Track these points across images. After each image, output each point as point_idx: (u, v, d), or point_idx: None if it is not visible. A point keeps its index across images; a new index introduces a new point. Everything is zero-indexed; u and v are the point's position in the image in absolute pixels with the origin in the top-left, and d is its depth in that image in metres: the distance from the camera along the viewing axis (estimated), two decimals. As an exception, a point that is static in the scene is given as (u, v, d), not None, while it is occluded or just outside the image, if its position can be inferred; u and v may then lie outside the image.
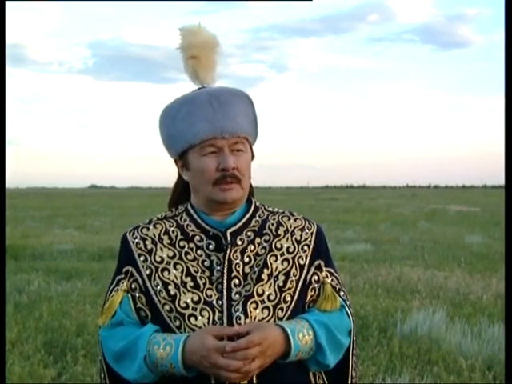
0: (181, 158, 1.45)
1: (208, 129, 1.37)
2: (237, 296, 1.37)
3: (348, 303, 1.48)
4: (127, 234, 1.47)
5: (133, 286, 1.41)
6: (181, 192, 1.52)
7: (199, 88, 1.47)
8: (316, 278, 1.45)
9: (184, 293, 1.37)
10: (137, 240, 1.44)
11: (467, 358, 4.44)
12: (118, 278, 1.44)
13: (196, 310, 1.36)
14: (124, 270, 1.43)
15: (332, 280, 1.47)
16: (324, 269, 1.47)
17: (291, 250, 1.44)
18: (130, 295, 1.41)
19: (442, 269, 8.94)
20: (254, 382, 1.33)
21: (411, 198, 49.28)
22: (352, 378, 1.49)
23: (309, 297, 1.44)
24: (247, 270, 1.40)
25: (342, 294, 1.48)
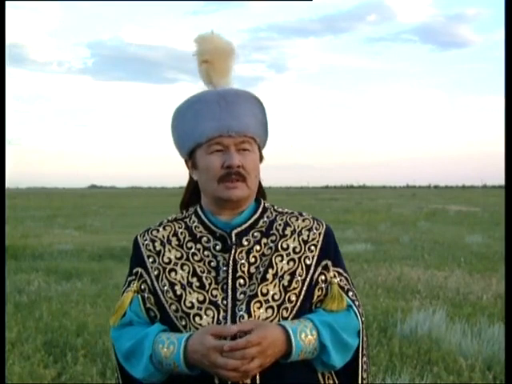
0: (190, 158, 1.47)
1: (214, 127, 1.40)
2: (241, 296, 1.39)
3: (357, 303, 1.47)
4: (138, 237, 1.51)
5: (142, 286, 1.45)
6: (192, 193, 1.54)
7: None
8: (323, 277, 1.45)
9: (190, 293, 1.40)
10: (146, 242, 1.48)
11: (467, 358, 4.44)
12: (129, 279, 1.49)
13: (201, 309, 1.38)
14: (134, 271, 1.48)
15: (340, 280, 1.47)
16: (332, 269, 1.47)
17: (297, 249, 1.45)
18: (140, 296, 1.45)
19: (442, 269, 8.95)
20: (258, 381, 1.33)
21: (411, 198, 49.26)
22: (362, 378, 1.48)
23: (316, 297, 1.44)
24: (253, 270, 1.41)
25: (350, 294, 1.47)
